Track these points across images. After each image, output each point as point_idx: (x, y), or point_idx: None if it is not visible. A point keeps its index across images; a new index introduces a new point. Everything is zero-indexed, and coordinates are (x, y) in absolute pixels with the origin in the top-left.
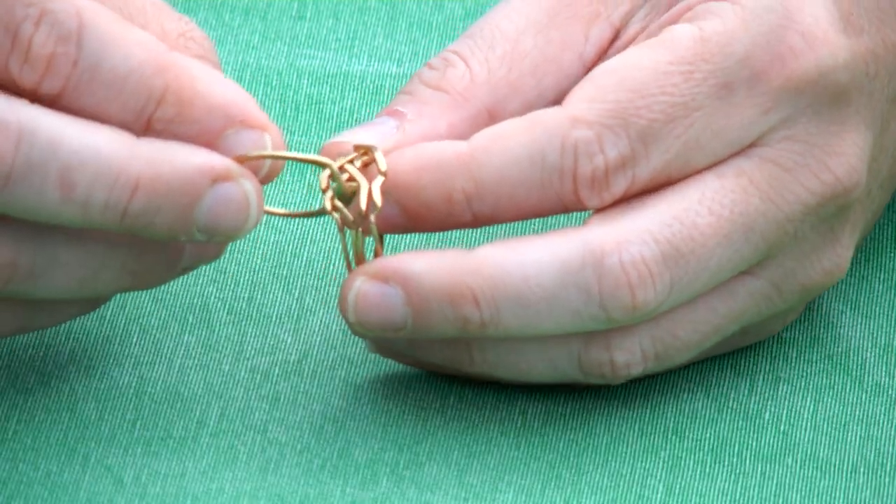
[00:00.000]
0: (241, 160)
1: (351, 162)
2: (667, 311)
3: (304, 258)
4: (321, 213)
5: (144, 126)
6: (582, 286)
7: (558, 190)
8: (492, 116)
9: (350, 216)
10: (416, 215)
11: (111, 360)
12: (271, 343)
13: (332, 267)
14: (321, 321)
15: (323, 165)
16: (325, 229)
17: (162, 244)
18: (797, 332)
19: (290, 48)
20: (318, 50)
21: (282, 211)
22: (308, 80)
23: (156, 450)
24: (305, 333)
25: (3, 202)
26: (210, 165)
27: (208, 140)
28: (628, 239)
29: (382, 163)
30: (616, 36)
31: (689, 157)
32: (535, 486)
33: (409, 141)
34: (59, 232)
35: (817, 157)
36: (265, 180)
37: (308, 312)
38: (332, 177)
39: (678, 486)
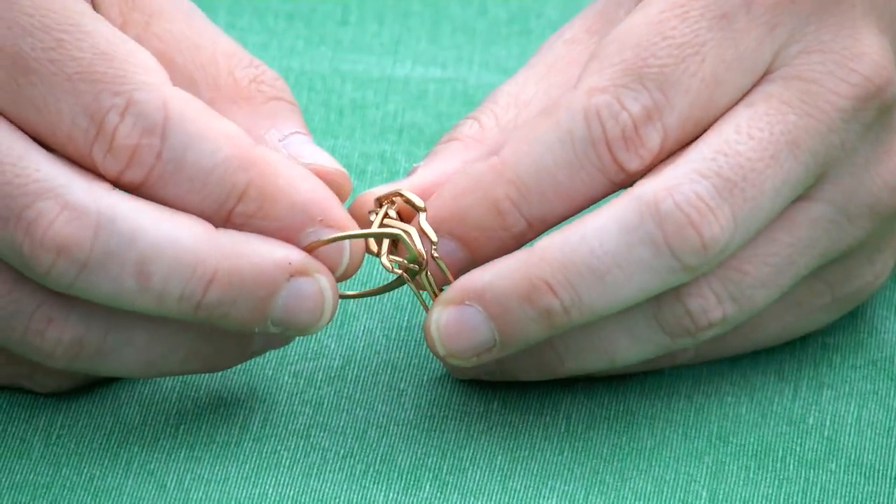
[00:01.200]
0: (312, 247)
1: (387, 215)
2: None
3: None
4: (397, 285)
5: (224, 219)
6: (647, 239)
7: (597, 163)
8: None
9: (422, 266)
10: (472, 242)
11: None
12: (314, 348)
13: (374, 272)
14: (364, 326)
15: (396, 236)
16: None
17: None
18: (841, 338)
19: (334, 53)
20: (361, 54)
21: (357, 293)
22: (352, 84)
23: (199, 455)
24: (349, 339)
25: (79, 287)
26: (287, 260)
27: (288, 237)
28: (676, 182)
29: (416, 199)
30: None
31: (711, 94)
32: (579, 492)
33: (422, 181)
34: (129, 313)
35: (838, 62)
36: (342, 278)
37: (352, 318)
38: (401, 244)
39: (721, 492)
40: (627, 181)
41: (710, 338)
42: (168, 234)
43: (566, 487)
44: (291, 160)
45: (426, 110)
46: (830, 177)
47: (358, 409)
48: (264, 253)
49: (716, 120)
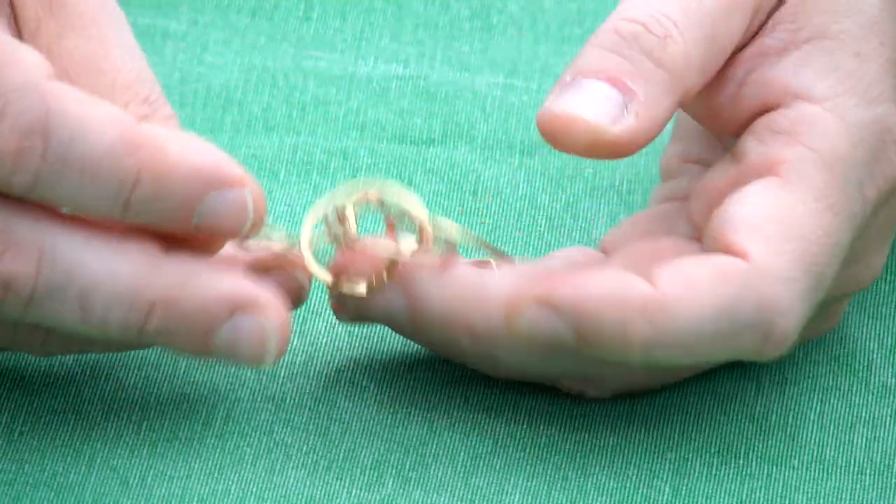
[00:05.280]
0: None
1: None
2: None
3: None
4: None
5: (122, 209)
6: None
7: (743, 343)
8: (684, 99)
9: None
10: (586, 340)
11: (117, 362)
12: None
13: None
14: (327, 322)
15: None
16: None
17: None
18: None
19: (297, 49)
20: (324, 51)
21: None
22: (314, 81)
23: (161, 451)
24: (311, 335)
25: (28, 316)
26: (231, 296)
27: (190, 209)
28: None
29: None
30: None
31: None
32: (542, 488)
33: (642, 128)
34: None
35: (865, 262)
36: (296, 302)
37: (314, 314)
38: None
39: (685, 488)
40: (749, 359)
41: None
42: (107, 267)
43: (529, 484)
44: (176, 131)
45: (388, 107)
46: None
47: (320, 406)
48: (207, 285)
49: None
